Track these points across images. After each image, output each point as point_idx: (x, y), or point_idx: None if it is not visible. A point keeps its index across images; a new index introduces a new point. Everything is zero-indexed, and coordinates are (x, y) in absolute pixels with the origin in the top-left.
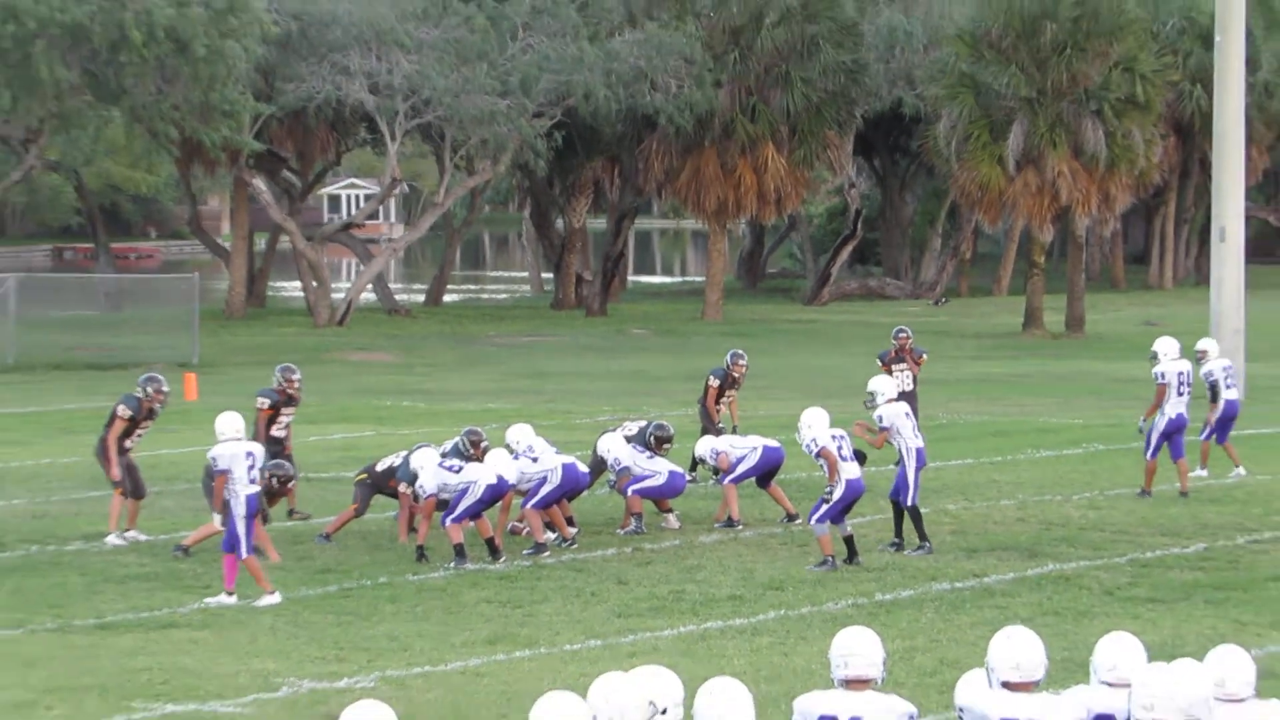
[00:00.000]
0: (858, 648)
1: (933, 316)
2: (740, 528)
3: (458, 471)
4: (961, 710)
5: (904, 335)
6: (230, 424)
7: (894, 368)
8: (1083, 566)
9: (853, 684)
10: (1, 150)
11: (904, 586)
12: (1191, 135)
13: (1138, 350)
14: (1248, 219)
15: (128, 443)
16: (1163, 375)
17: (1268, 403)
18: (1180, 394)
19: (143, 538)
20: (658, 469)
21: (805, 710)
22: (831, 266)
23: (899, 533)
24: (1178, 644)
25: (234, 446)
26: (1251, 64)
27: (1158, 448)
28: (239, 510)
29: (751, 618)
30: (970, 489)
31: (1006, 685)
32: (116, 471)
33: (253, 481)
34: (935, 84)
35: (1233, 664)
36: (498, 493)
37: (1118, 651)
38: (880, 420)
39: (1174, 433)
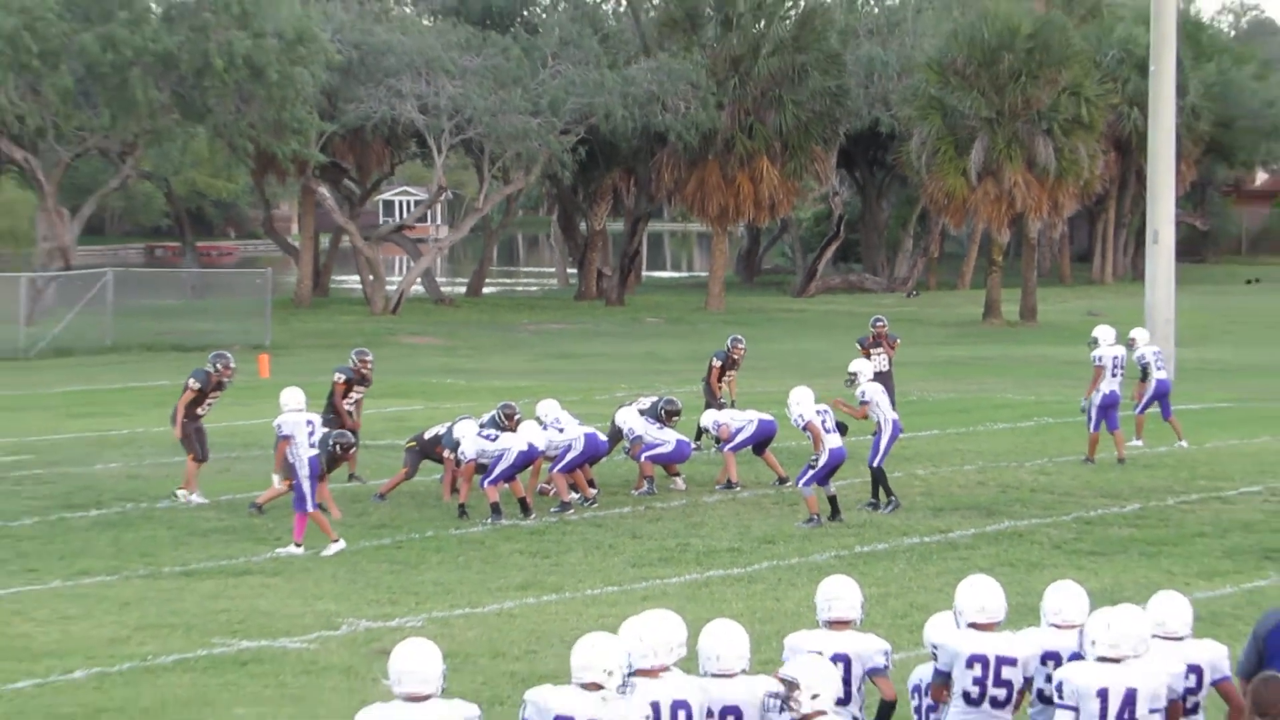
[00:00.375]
0: (840, 593)
1: (905, 307)
2: (738, 489)
3: (494, 440)
4: (935, 647)
5: (880, 324)
6: (293, 397)
7: (872, 351)
8: (1034, 524)
9: (835, 624)
10: (102, 161)
11: (879, 540)
12: (1129, 151)
13: (1082, 337)
14: (1177, 224)
15: (198, 410)
16: (1099, 359)
17: (1195, 382)
18: (1114, 375)
19: (195, 499)
20: (667, 438)
21: (794, 646)
22: (818, 263)
23: (875, 494)
24: (1116, 591)
25: (296, 416)
26: (1181, 90)
27: (1098, 422)
28: (303, 471)
29: (747, 567)
30: (937, 456)
31: (973, 625)
32: (179, 431)
33: (312, 446)
34: (908, 106)
35: (1172, 607)
36: (529, 458)
37: (1064, 598)
38: (862, 396)
39: (1109, 408)
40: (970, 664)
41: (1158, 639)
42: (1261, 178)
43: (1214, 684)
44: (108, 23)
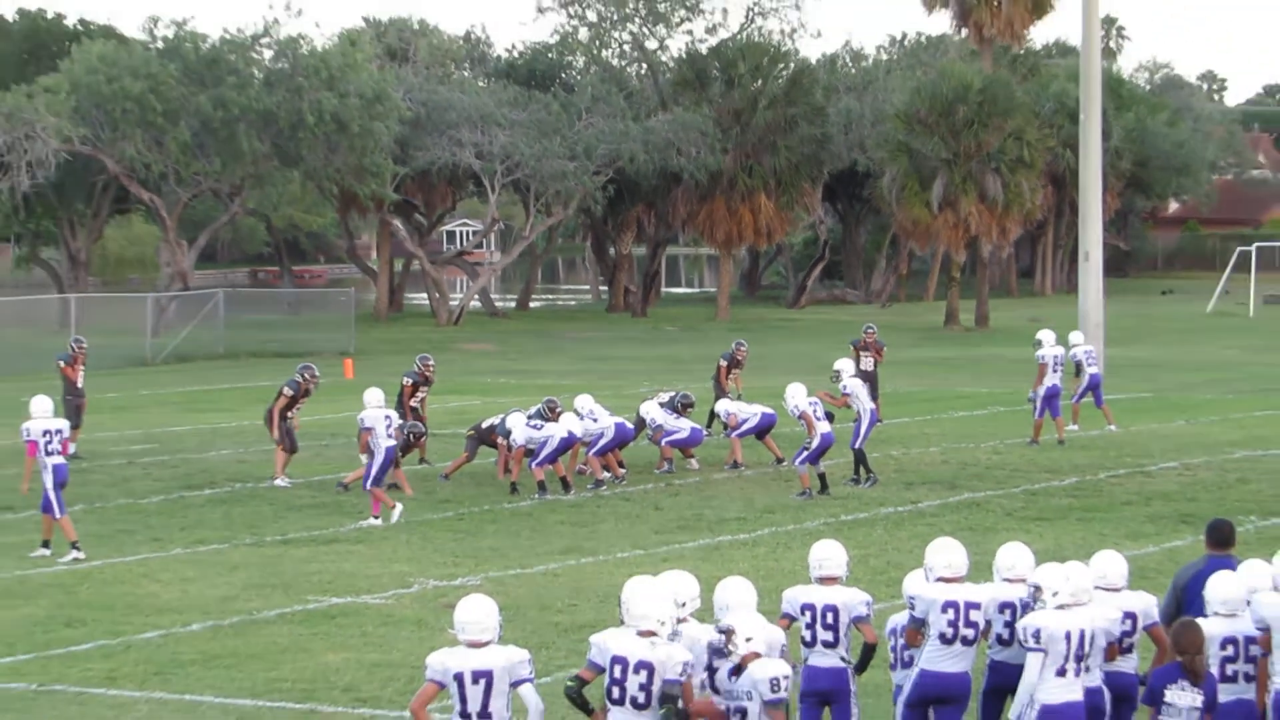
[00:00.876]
0: (829, 554)
1: (880, 316)
2: (743, 469)
3: (540, 429)
4: (912, 598)
5: (871, 330)
6: (374, 396)
7: (861, 353)
8: (989, 495)
9: (825, 580)
10: (214, 200)
11: (861, 510)
12: (1064, 185)
13: (1027, 339)
14: (1104, 245)
15: (290, 413)
16: (1043, 357)
17: (1121, 376)
18: (1055, 370)
19: (284, 483)
20: (683, 426)
21: (791, 599)
22: (807, 280)
23: (856, 472)
24: (1058, 551)
25: (376, 412)
26: (1106, 134)
27: (1042, 410)
28: (379, 458)
29: (752, 533)
30: (907, 440)
31: (941, 579)
32: (276, 433)
33: (390, 437)
34: (880, 149)
35: (1112, 563)
36: (569, 444)
37: (1015, 556)
38: (843, 389)
39: (1051, 398)
40: (944, 609)
41: (1099, 590)
42: (1173, 206)
43: (1145, 628)
44: (219, 86)
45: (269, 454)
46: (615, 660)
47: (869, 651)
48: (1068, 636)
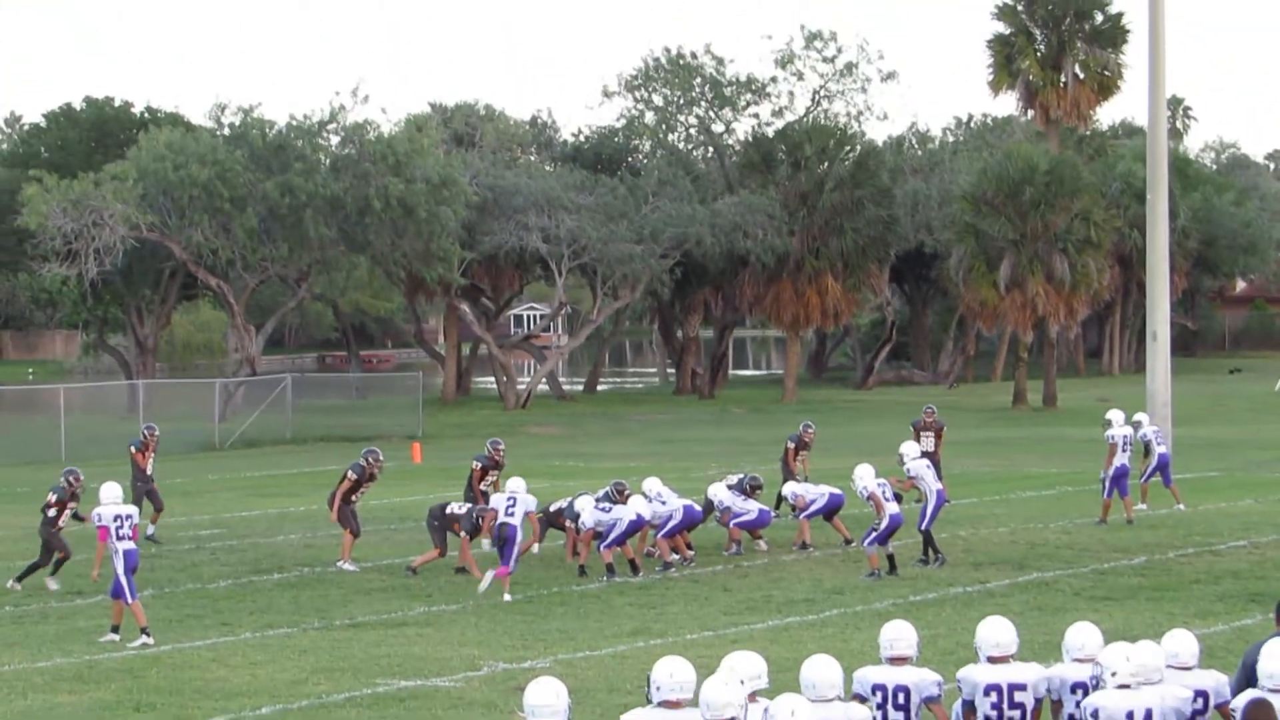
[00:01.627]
0: (899, 634)
1: (947, 396)
2: (811, 550)
3: (608, 511)
4: (959, 681)
5: (930, 411)
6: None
7: (921, 433)
8: (1058, 575)
9: (896, 660)
10: (281, 285)
11: (930, 590)
12: (1131, 265)
13: (1094, 419)
14: (1171, 325)
15: (354, 497)
16: (1112, 437)
17: (1188, 456)
18: (1124, 450)
19: (352, 568)
20: (751, 508)
21: (862, 679)
22: (874, 361)
23: (925, 552)
24: (1127, 630)
25: (500, 498)
26: (1172, 214)
27: (1110, 490)
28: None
29: (820, 614)
30: (976, 520)
31: (990, 659)
32: (336, 515)
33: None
34: (947, 231)
35: (1183, 642)
36: (637, 526)
37: (1084, 636)
38: (909, 473)
39: (1120, 478)
40: (987, 692)
41: (1171, 669)
42: (1241, 285)
43: (1216, 707)
44: (285, 173)
45: (337, 538)
46: None
47: None
48: (1129, 716)
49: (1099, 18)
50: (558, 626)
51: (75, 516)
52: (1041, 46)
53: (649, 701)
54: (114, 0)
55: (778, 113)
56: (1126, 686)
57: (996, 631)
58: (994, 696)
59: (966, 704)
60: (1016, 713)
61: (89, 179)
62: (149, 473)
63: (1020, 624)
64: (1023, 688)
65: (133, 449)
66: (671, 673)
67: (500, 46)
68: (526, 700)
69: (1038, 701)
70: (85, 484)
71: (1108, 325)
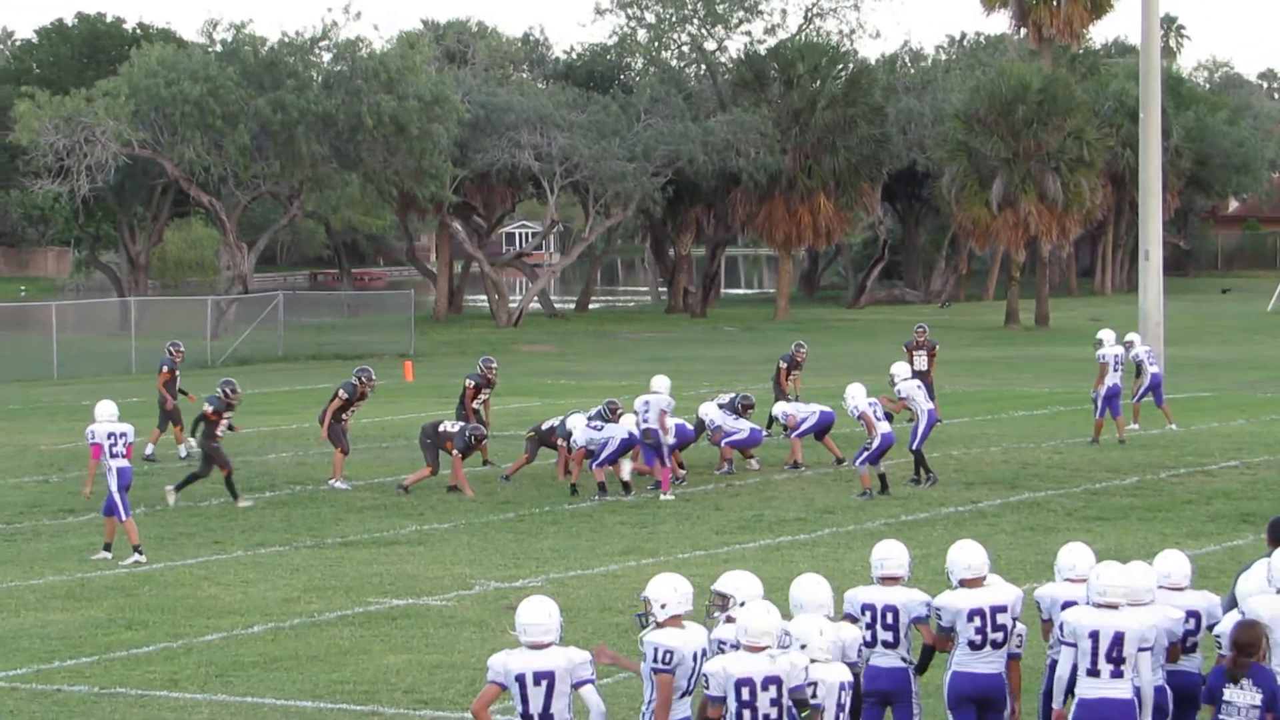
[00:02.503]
0: (890, 554)
1: (939, 316)
2: (803, 469)
3: (600, 430)
4: (939, 609)
5: (922, 330)
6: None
7: (914, 353)
8: (1050, 495)
9: (886, 580)
10: (273, 203)
11: (921, 510)
12: (1123, 184)
13: (1087, 339)
14: (1164, 244)
15: (344, 415)
16: (1104, 356)
17: (1181, 375)
18: (1115, 370)
19: (343, 485)
20: (742, 427)
21: (852, 599)
22: (866, 280)
23: (916, 472)
24: (1119, 551)
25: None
26: (1165, 133)
27: (1102, 410)
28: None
29: (812, 534)
30: (968, 440)
31: (963, 582)
32: (326, 433)
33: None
34: (939, 149)
35: (1175, 563)
36: (629, 445)
37: (1075, 557)
38: (899, 393)
39: (1112, 398)
40: (970, 617)
41: (1162, 589)
42: (1233, 205)
43: (1208, 628)
44: (278, 89)
45: (328, 456)
46: (741, 683)
47: (929, 652)
48: (1093, 635)
49: None
50: (549, 545)
51: (229, 428)
52: None
53: (649, 618)
54: None
55: (770, 30)
56: (1108, 606)
57: (967, 554)
58: (978, 621)
59: (945, 630)
60: (999, 634)
61: (81, 95)
62: (176, 389)
63: (1012, 544)
64: (1003, 609)
65: (164, 368)
66: (675, 587)
67: None
68: (519, 619)
69: (1014, 620)
70: (78, 402)
71: (1100, 244)
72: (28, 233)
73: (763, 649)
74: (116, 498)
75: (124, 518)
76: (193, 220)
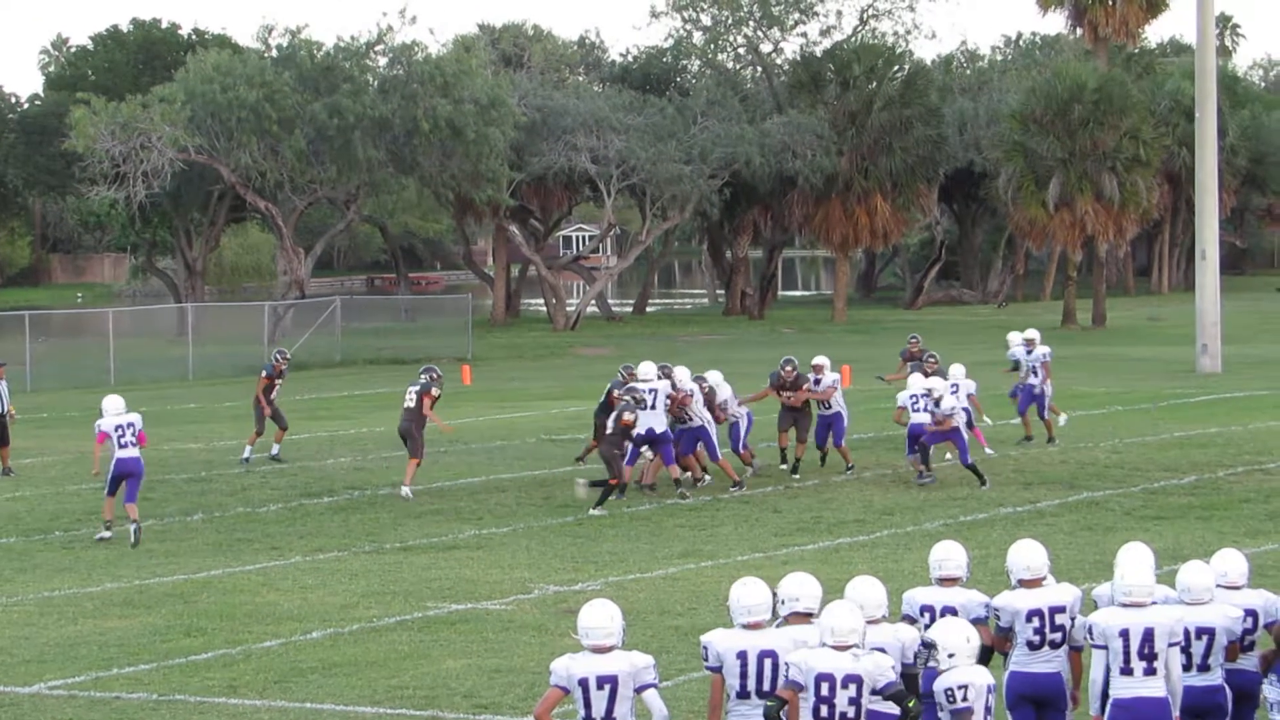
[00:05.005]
0: (949, 555)
1: (996, 316)
2: (855, 472)
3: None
4: (997, 610)
5: (914, 340)
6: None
7: (908, 363)
8: (1108, 494)
9: (945, 582)
10: (329, 208)
11: (980, 511)
12: (1180, 183)
13: (1144, 338)
14: (1220, 243)
15: (270, 394)
16: (1013, 356)
17: (1237, 374)
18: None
19: (407, 492)
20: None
21: (911, 600)
22: (924, 281)
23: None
24: (1177, 550)
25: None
26: (1221, 132)
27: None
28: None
29: (871, 535)
30: (1027, 439)
31: (1022, 582)
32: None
33: None
34: (996, 149)
35: (1232, 561)
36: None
37: (1027, 556)
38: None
39: (1037, 397)
40: (1029, 618)
41: (1220, 588)
42: None
43: (1266, 626)
44: (334, 94)
45: (388, 460)
46: (821, 678)
47: (987, 654)
48: (1123, 634)
49: None
50: (608, 549)
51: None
52: None
53: (775, 616)
54: None
55: (825, 32)
56: (1135, 605)
57: (1027, 555)
58: (1036, 621)
59: (1004, 630)
60: (1058, 635)
61: (136, 101)
62: (273, 396)
63: (1071, 544)
64: (1062, 609)
65: (264, 374)
66: (802, 582)
67: None
68: (581, 622)
69: (1071, 620)
70: (136, 407)
71: (1157, 244)
72: (84, 239)
73: (848, 647)
74: (107, 479)
75: (107, 495)
76: (249, 226)
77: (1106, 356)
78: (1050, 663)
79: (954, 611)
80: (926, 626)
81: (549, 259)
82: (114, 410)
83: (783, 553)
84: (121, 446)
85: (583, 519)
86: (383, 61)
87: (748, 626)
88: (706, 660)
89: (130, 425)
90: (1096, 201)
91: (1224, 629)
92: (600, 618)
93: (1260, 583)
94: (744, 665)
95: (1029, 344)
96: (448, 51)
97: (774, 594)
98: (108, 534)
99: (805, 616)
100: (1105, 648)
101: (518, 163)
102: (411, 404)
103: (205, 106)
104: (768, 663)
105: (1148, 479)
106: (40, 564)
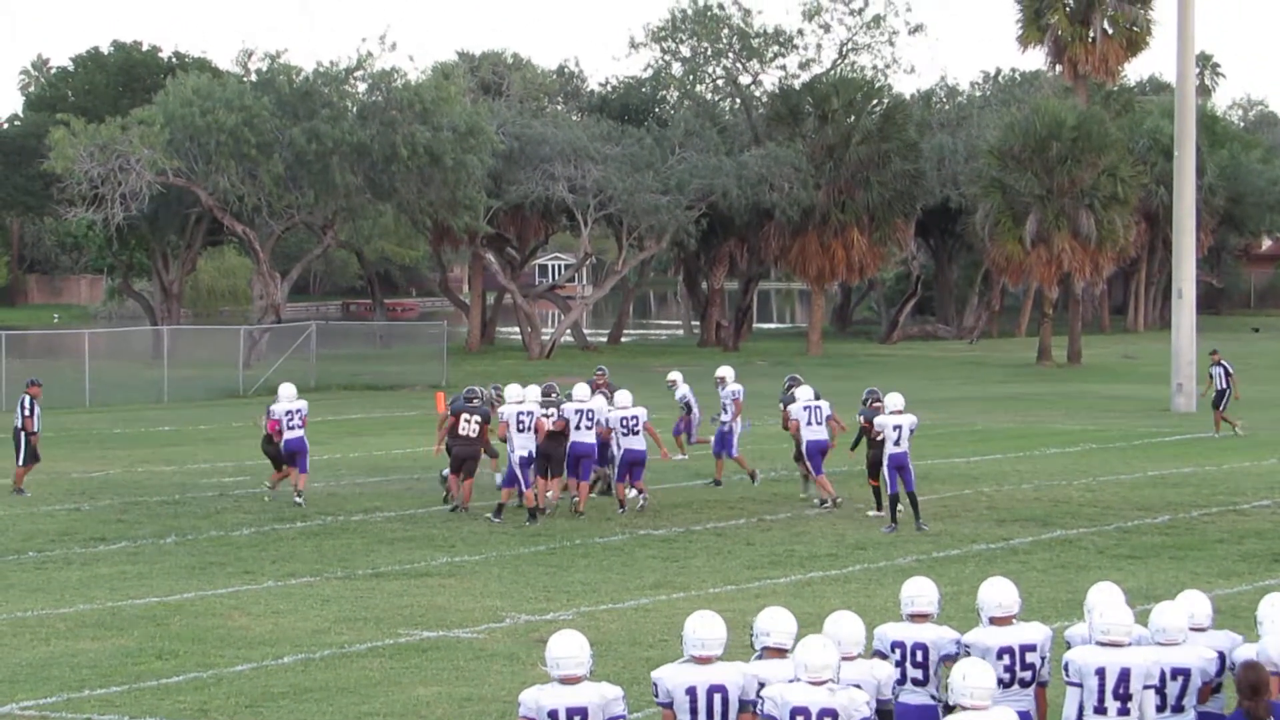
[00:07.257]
0: (920, 591)
1: (972, 351)
2: (835, 505)
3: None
4: (967, 646)
5: (873, 393)
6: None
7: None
8: (1082, 533)
9: (916, 618)
10: (306, 233)
11: (952, 547)
12: (1157, 222)
13: (1119, 376)
14: (1197, 282)
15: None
16: (725, 395)
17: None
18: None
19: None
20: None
21: (882, 636)
22: (899, 315)
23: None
24: (1150, 589)
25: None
26: (1199, 171)
27: (718, 450)
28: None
29: (843, 569)
30: (999, 476)
31: (993, 620)
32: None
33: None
34: (973, 185)
35: (1197, 603)
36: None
37: (1000, 594)
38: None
39: (721, 437)
40: (1000, 655)
41: (1191, 630)
42: (1266, 244)
43: (1230, 667)
44: (312, 119)
45: (361, 486)
46: (796, 711)
47: None
48: (1099, 673)
49: None
50: (580, 578)
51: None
52: (1070, 2)
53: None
54: None
55: (805, 65)
56: (1112, 644)
57: (999, 592)
58: (1007, 659)
59: None
60: (1028, 673)
61: (116, 124)
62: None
63: (1044, 582)
64: (1033, 648)
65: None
66: (775, 617)
67: None
68: (550, 652)
69: (1043, 659)
70: (110, 430)
71: (1133, 282)
72: (62, 260)
73: (823, 683)
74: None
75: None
76: (226, 249)
77: (1081, 394)
78: (1020, 701)
79: (924, 648)
80: (898, 663)
81: (525, 287)
82: (287, 397)
83: (755, 586)
84: (290, 429)
85: (555, 549)
86: (362, 87)
87: (697, 660)
88: (657, 696)
89: (298, 411)
90: (1073, 239)
91: (1199, 670)
92: (570, 647)
93: (1233, 624)
94: (693, 701)
95: (720, 381)
96: (427, 78)
97: (749, 627)
98: (273, 492)
99: (779, 651)
100: (1080, 685)
101: (495, 190)
102: (473, 433)
103: (184, 130)
104: (717, 698)
105: (1121, 518)
106: (13, 584)
